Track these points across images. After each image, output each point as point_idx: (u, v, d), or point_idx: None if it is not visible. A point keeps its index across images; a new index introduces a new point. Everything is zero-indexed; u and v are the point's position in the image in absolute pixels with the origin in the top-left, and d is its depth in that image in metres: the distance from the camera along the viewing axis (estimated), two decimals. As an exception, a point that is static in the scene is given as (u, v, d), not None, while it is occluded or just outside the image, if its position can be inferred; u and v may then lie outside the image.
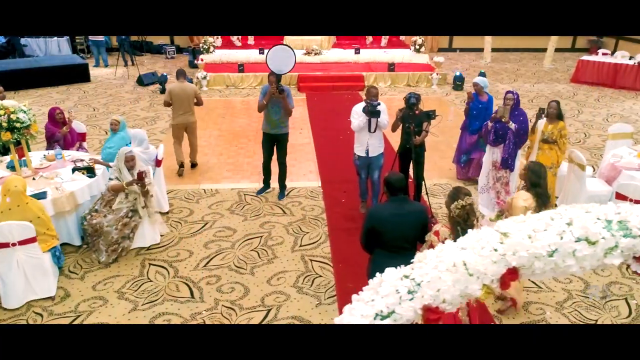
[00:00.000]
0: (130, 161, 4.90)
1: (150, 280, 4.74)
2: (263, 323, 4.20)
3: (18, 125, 4.99)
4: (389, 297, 1.62)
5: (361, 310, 1.66)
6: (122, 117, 6.29)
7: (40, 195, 4.82)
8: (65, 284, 4.66)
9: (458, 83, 12.01)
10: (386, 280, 1.67)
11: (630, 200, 5.10)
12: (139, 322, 4.18)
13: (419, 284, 1.60)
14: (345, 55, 13.43)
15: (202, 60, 12.29)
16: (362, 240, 3.63)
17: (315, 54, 13.22)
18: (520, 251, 1.52)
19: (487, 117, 6.43)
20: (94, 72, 13.16)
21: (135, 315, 4.27)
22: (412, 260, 1.99)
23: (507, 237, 1.57)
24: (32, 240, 4.21)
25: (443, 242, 3.28)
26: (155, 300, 4.47)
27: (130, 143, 5.65)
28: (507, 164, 5.70)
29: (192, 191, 6.55)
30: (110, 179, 5.03)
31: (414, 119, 5.49)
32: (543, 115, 5.79)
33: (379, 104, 5.39)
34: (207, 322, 4.21)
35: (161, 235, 5.41)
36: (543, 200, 3.92)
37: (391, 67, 12.36)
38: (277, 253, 5.20)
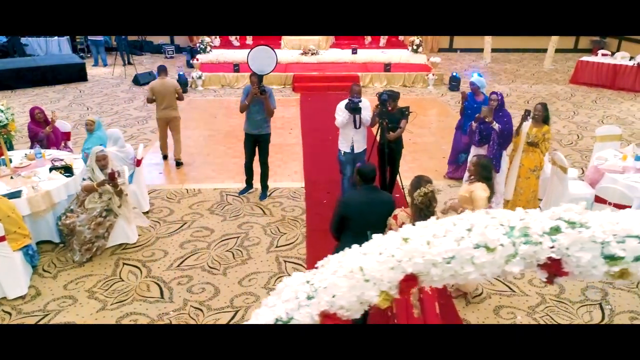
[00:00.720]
0: (102, 160, 4.91)
1: (122, 280, 4.75)
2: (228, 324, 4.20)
3: (-4, 124, 5.03)
4: (289, 303, 1.60)
5: (264, 315, 1.64)
6: (98, 117, 6.29)
7: (15, 194, 4.86)
8: (37, 282, 4.68)
9: (454, 83, 11.94)
10: (289, 285, 1.65)
11: (610, 203, 5.02)
12: (105, 322, 4.20)
13: (317, 290, 1.58)
14: (343, 55, 13.40)
15: (197, 60, 12.31)
16: (332, 227, 3.75)
17: (312, 54, 13.21)
18: (415, 257, 1.49)
19: None
20: (92, 71, 13.27)
21: (103, 315, 4.28)
22: None
23: (407, 242, 1.54)
24: (0, 239, 4.24)
25: (401, 226, 3.37)
26: (125, 300, 4.48)
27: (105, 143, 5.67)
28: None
29: (175, 191, 6.56)
30: (84, 179, 5.04)
31: (387, 115, 5.54)
32: (528, 118, 5.74)
33: (360, 100, 5.47)
34: (174, 323, 4.21)
35: (139, 235, 5.43)
36: (492, 191, 4.15)
37: (387, 67, 12.31)
38: (252, 254, 5.19)
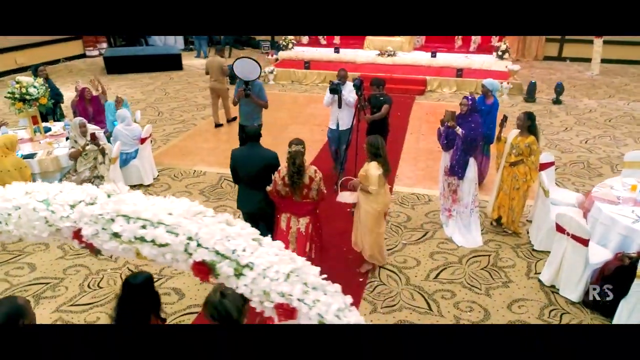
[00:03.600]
0: (82, 127, 5.75)
1: (91, 238, 5.51)
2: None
3: (27, 97, 6.14)
4: None
5: None
6: (125, 96, 7.22)
7: (30, 156, 5.91)
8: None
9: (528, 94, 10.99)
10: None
11: (567, 233, 4.43)
12: (59, 268, 4.96)
13: None
14: (421, 58, 13.09)
15: (272, 55, 13.06)
16: (232, 178, 4.63)
17: (389, 56, 13.12)
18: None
19: (489, 120, 6.33)
20: (192, 62, 14.83)
21: (58, 262, 5.06)
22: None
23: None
24: (-5, 188, 5.24)
25: (282, 179, 4.11)
26: (82, 253, 5.21)
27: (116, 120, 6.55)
28: (454, 170, 5.35)
29: (183, 171, 7.26)
30: (69, 148, 5.87)
31: (371, 99, 6.42)
32: (505, 124, 5.43)
33: (339, 83, 6.35)
34: (105, 280, 4.81)
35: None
36: (385, 167, 4.45)
37: (459, 72, 11.76)
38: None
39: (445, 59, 12.86)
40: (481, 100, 6.51)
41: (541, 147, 7.84)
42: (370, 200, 4.49)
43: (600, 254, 4.46)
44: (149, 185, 6.75)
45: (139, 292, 2.68)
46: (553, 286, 4.69)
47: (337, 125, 6.55)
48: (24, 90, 6.10)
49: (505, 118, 5.46)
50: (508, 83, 11.30)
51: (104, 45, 15.95)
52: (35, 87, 6.20)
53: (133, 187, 6.52)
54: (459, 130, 5.19)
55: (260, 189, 4.32)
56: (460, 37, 14.30)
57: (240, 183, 4.56)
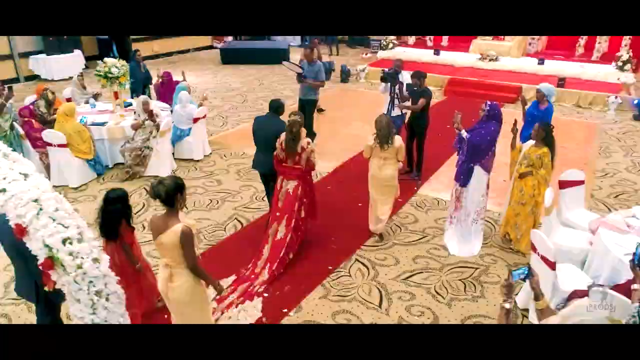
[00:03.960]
0: (145, 104, 6.73)
1: (129, 197, 6.42)
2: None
3: (110, 75, 7.32)
4: None
5: None
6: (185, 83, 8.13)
7: (100, 124, 7.07)
8: (91, 184, 6.76)
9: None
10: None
11: (538, 253, 4.02)
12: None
13: None
14: (526, 64, 12.19)
15: (366, 55, 13.25)
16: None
17: (490, 60, 12.45)
18: None
19: None
20: (299, 57, 15.65)
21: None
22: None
23: None
24: (63, 145, 6.42)
25: (281, 144, 4.82)
26: (116, 208, 6.13)
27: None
28: (457, 176, 5.13)
29: (234, 152, 7.93)
30: (133, 120, 6.90)
31: (411, 91, 6.70)
32: (517, 129, 5.15)
33: (389, 72, 6.73)
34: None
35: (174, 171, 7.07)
36: (381, 140, 4.98)
37: (560, 82, 10.71)
38: (223, 206, 6.15)
39: (553, 67, 11.80)
40: (535, 105, 6.12)
41: (626, 167, 7.03)
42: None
43: (572, 281, 3.98)
44: (198, 161, 7.55)
45: (114, 202, 3.61)
46: (526, 309, 4.30)
47: (390, 112, 6.75)
48: (106, 69, 7.28)
49: (516, 123, 5.07)
50: (616, 97, 9.99)
51: (230, 38, 17.63)
52: (116, 67, 7.35)
53: (183, 160, 7.46)
54: (464, 133, 4.98)
55: (272, 153, 4.92)
56: (582, 44, 13.00)
57: (257, 147, 5.27)
